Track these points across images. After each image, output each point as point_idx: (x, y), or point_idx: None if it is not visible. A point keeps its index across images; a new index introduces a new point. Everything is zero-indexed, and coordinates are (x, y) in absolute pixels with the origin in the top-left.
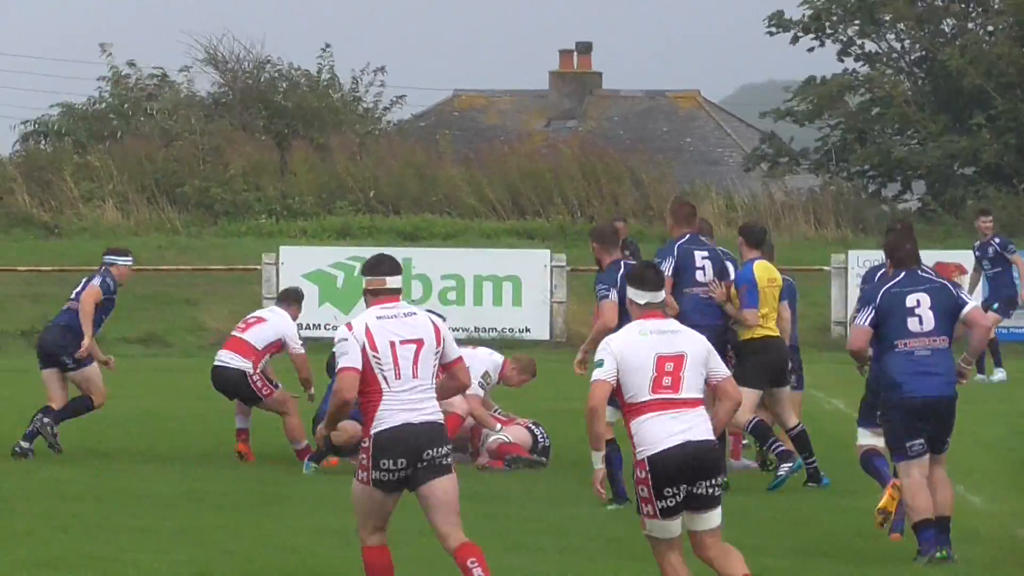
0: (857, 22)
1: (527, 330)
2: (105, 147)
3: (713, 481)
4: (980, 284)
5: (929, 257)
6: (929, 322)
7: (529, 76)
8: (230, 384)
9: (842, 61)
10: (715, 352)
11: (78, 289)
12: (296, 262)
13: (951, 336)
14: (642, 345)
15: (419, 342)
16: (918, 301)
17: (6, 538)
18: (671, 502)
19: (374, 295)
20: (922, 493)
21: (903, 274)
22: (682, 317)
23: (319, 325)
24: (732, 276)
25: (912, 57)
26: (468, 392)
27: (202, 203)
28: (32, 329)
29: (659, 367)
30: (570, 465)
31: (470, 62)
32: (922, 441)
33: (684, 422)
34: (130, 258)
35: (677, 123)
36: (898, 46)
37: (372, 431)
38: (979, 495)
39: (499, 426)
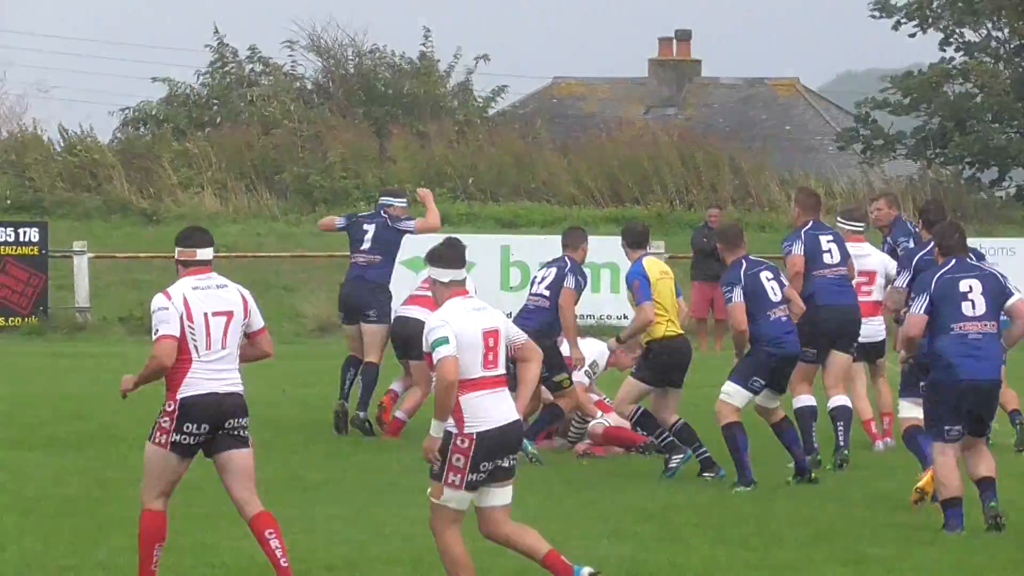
0: (960, 5)
1: (624, 317)
2: (204, 134)
3: (515, 456)
4: None
5: None
6: (981, 307)
7: (628, 64)
8: (413, 336)
9: (943, 51)
10: (510, 321)
11: (368, 243)
12: None
13: (999, 322)
14: (471, 321)
15: (229, 314)
16: (971, 287)
17: (108, 524)
18: (483, 476)
19: (185, 266)
20: (954, 473)
21: (953, 261)
22: (812, 299)
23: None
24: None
25: (1012, 46)
26: (575, 379)
27: (301, 190)
28: (130, 316)
29: (486, 343)
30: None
31: (570, 50)
32: (960, 427)
33: (506, 400)
34: (404, 199)
35: (776, 110)
36: (997, 35)
37: (178, 396)
38: None
39: (600, 413)
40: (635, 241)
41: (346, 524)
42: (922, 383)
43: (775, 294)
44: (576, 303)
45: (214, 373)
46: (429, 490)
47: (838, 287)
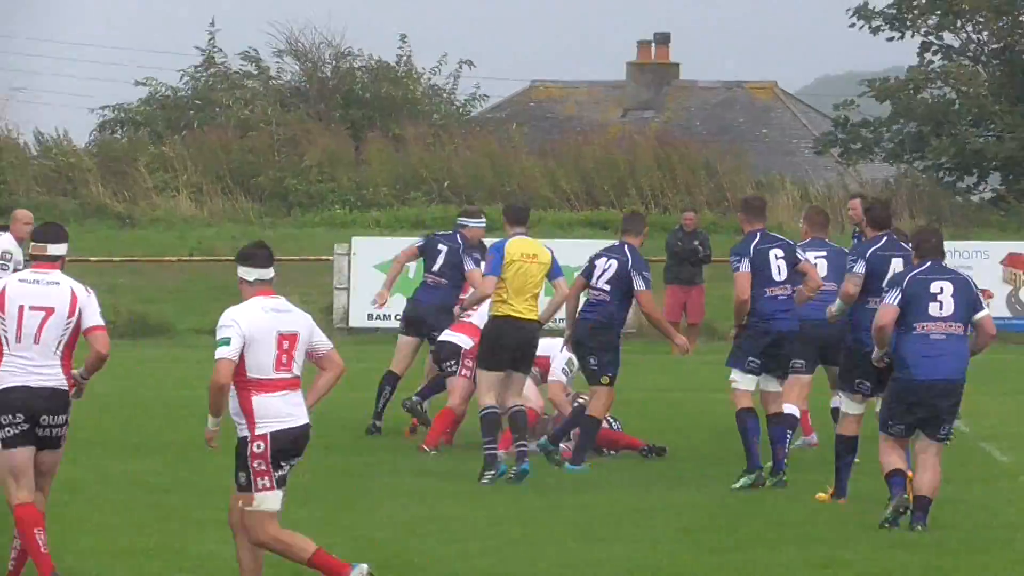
0: (937, 12)
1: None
2: (180, 137)
3: (296, 461)
4: None
5: (1003, 248)
6: (949, 308)
7: (607, 67)
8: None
9: (923, 56)
10: (317, 328)
11: (438, 264)
12: (369, 252)
13: (967, 326)
14: (265, 322)
15: (49, 310)
16: (942, 288)
17: (77, 528)
18: (285, 470)
19: (34, 258)
20: (893, 453)
21: (929, 263)
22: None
23: (389, 316)
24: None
25: (990, 48)
26: (551, 378)
27: (277, 194)
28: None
29: (279, 346)
30: (632, 455)
31: (548, 53)
32: (903, 426)
33: (296, 403)
34: (483, 220)
35: (754, 114)
36: (976, 38)
37: None
38: (1008, 455)
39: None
40: (513, 218)
41: (314, 527)
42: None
43: (779, 273)
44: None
45: (26, 366)
46: (240, 502)
47: (820, 302)
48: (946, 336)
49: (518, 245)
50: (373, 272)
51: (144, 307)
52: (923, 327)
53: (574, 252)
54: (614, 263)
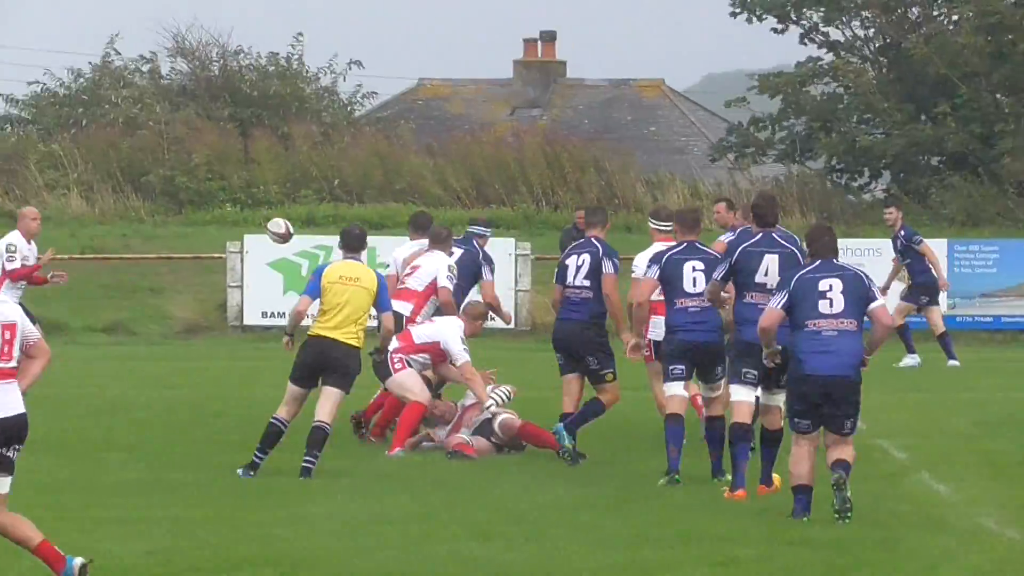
0: (823, 8)
1: (491, 318)
2: (70, 135)
3: (19, 447)
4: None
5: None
6: (839, 305)
7: (494, 65)
8: None
9: (805, 45)
10: (27, 319)
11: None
12: (261, 251)
13: (860, 321)
14: None
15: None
16: (831, 285)
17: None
18: (8, 456)
19: None
20: (804, 463)
21: (819, 262)
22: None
23: (283, 313)
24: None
25: (876, 45)
26: (459, 361)
27: (167, 192)
28: None
29: (2, 336)
30: (536, 452)
31: (435, 51)
32: (808, 422)
33: (14, 392)
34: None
35: (642, 112)
36: (862, 34)
37: None
38: (944, 484)
39: (490, 402)
40: (347, 245)
41: (213, 526)
42: None
43: (694, 285)
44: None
45: None
46: None
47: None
48: (837, 332)
49: (337, 269)
50: (266, 270)
51: (36, 307)
52: (814, 324)
53: None
54: (587, 256)
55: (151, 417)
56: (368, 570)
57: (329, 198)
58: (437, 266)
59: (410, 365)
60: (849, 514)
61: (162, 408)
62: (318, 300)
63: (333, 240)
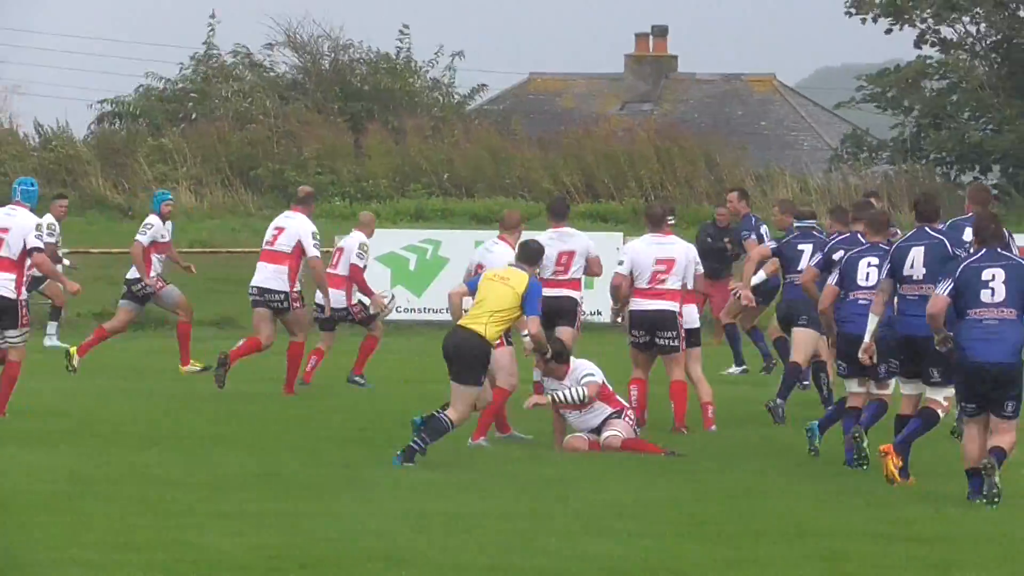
0: (934, 6)
1: (599, 312)
2: (180, 129)
3: None
4: None
5: None
6: (1000, 294)
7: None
8: None
9: (919, 48)
10: None
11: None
12: (370, 244)
13: (1021, 310)
14: None
15: None
16: (993, 275)
17: (83, 521)
18: None
19: None
20: (973, 444)
21: (984, 251)
22: None
23: (400, 307)
24: None
25: (989, 42)
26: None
27: (276, 186)
28: (104, 312)
29: None
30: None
31: (546, 45)
32: (975, 405)
33: None
34: None
35: (752, 107)
36: (974, 30)
37: None
38: None
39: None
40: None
41: (322, 520)
42: None
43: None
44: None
45: None
46: None
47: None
48: (999, 321)
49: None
50: (375, 264)
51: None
52: (976, 313)
53: None
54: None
55: (261, 411)
56: (481, 565)
57: (439, 192)
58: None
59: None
60: (997, 499)
61: (273, 402)
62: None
63: (441, 234)
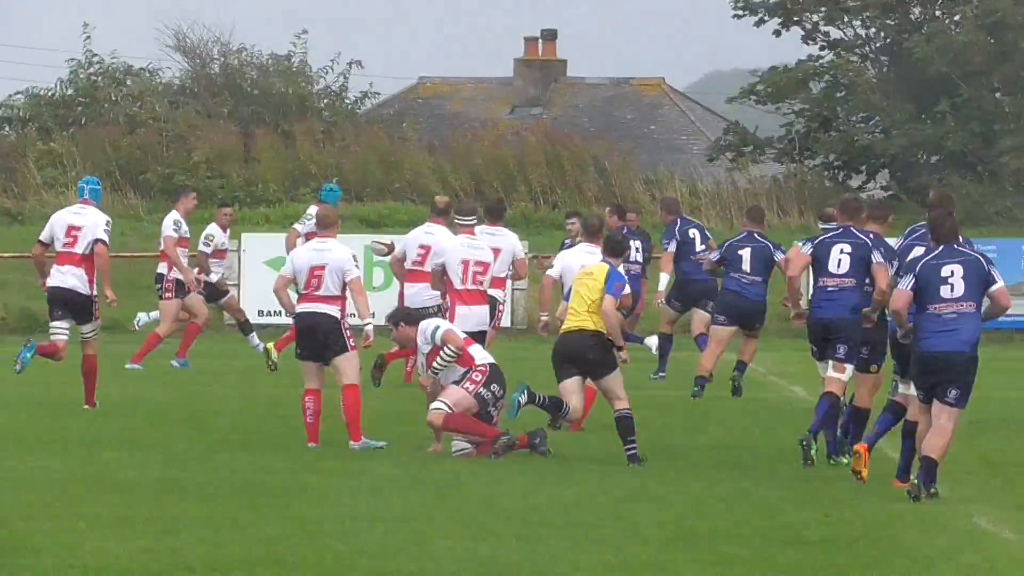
0: (824, 8)
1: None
2: (69, 134)
3: None
4: None
5: (892, 244)
6: (960, 289)
7: (494, 64)
8: None
9: (808, 45)
10: None
11: None
12: (258, 249)
13: (979, 302)
14: None
15: None
16: (952, 271)
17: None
18: None
19: None
20: (924, 429)
21: (941, 248)
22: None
23: (280, 312)
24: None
25: (878, 45)
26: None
27: (166, 190)
28: None
29: None
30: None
31: (435, 50)
32: (925, 393)
33: None
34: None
35: (642, 110)
36: (863, 33)
37: None
38: (941, 483)
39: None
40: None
41: (211, 525)
42: None
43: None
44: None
45: None
46: None
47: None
48: (957, 315)
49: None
50: (263, 268)
51: (34, 304)
52: (936, 308)
53: None
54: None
55: (149, 415)
56: (365, 568)
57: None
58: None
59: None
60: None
61: (160, 406)
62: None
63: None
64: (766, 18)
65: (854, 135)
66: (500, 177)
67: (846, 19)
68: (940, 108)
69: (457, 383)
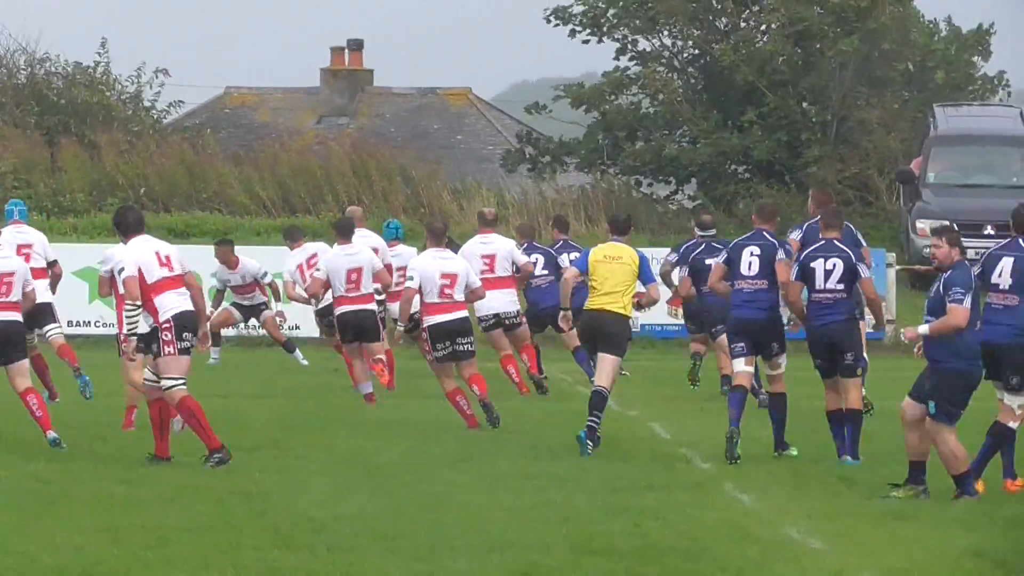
0: (637, 20)
1: (297, 327)
2: None
3: None
4: None
5: None
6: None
7: (301, 73)
8: None
9: (618, 60)
10: None
11: None
12: (67, 259)
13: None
14: None
15: None
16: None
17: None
18: None
19: None
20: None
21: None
22: None
23: (89, 322)
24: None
25: (685, 55)
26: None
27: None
28: None
29: None
30: (343, 461)
31: (241, 59)
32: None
33: None
34: None
35: (449, 120)
36: (670, 43)
37: None
38: (748, 493)
39: None
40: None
41: (14, 533)
42: None
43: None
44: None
45: None
46: None
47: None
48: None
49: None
50: (71, 279)
51: None
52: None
53: (272, 259)
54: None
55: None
56: None
57: (135, 206)
58: None
59: None
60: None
61: None
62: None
63: None
64: (578, 29)
65: (663, 145)
66: (307, 187)
67: (655, 29)
68: (747, 117)
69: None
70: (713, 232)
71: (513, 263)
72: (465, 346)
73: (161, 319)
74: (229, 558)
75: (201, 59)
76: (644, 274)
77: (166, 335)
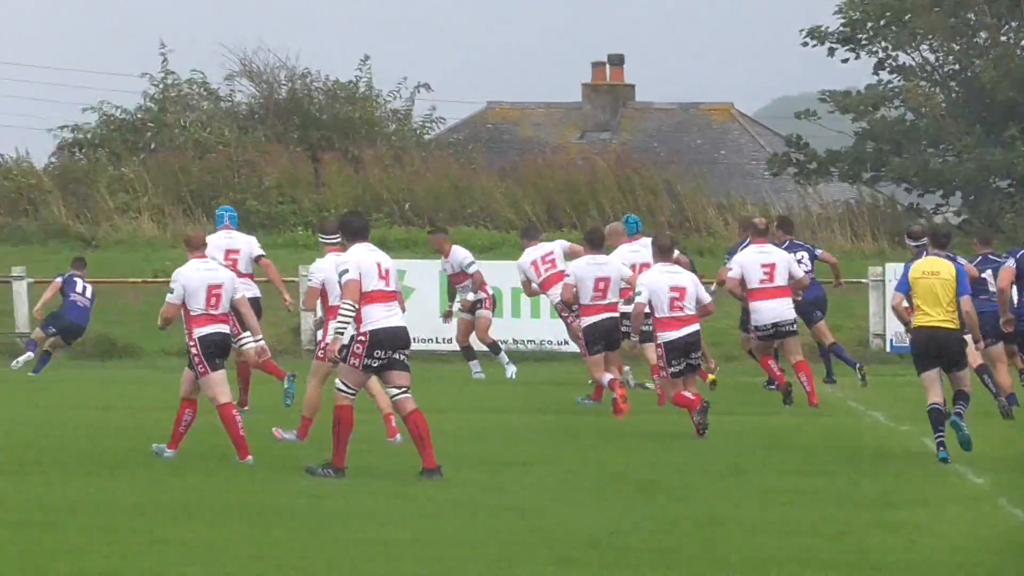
0: (893, 31)
1: (565, 343)
2: (139, 159)
3: None
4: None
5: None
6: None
7: (562, 89)
8: None
9: (877, 75)
10: None
11: None
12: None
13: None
14: None
15: None
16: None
17: (48, 551)
18: None
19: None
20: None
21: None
22: None
23: None
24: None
25: (946, 70)
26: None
27: (238, 216)
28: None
29: None
30: (613, 476)
31: (503, 75)
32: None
33: None
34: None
35: (711, 136)
36: (931, 58)
37: None
38: (1022, 509)
39: None
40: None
41: (288, 549)
42: None
43: None
44: None
45: None
46: None
47: None
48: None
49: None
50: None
51: (110, 329)
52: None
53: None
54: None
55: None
56: None
57: (400, 222)
58: None
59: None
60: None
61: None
62: None
63: (405, 264)
64: (835, 46)
65: (926, 159)
66: (572, 202)
67: (914, 44)
68: (1009, 132)
69: None
70: (924, 241)
71: (791, 274)
72: (697, 360)
73: (360, 329)
74: (504, 574)
75: (462, 75)
76: (960, 287)
77: (358, 347)
